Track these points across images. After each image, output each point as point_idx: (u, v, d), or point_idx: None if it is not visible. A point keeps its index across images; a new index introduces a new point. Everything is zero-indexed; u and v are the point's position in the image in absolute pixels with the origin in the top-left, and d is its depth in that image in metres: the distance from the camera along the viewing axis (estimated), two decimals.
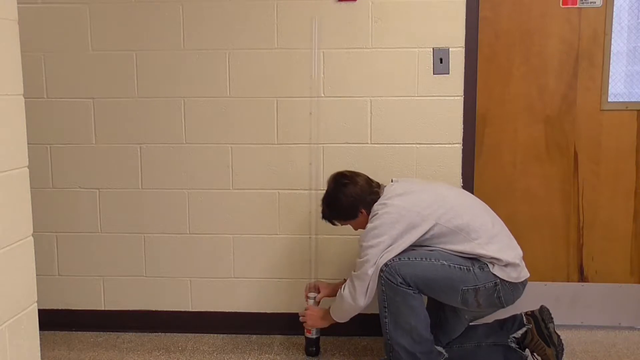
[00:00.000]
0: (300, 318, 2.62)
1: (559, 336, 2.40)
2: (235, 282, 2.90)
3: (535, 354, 2.42)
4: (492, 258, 2.25)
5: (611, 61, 2.80)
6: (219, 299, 2.91)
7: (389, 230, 2.26)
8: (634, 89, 2.84)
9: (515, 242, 2.37)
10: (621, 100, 2.84)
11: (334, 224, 2.51)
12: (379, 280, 2.31)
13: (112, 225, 2.89)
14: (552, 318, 2.43)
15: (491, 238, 2.28)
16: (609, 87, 2.81)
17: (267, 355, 2.70)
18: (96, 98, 2.82)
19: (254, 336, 2.90)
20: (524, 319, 2.47)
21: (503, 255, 2.26)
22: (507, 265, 2.26)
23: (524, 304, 2.94)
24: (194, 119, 2.81)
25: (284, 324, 2.88)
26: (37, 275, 1.68)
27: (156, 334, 2.93)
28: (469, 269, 2.26)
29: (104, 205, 2.88)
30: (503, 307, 2.32)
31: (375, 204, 2.35)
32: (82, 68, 2.80)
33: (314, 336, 2.67)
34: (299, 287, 2.84)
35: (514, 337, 2.44)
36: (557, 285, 2.94)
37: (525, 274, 2.32)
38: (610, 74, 2.80)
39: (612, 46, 2.79)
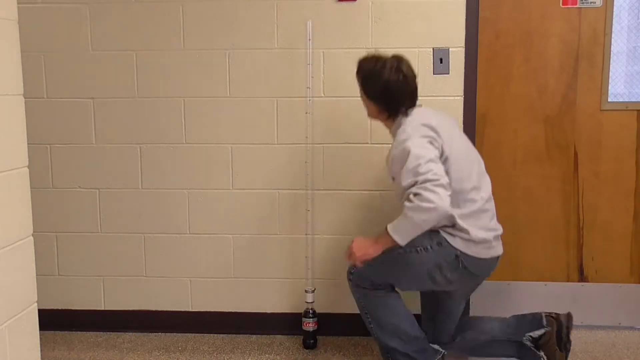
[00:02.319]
0: (346, 255, 2.31)
1: (571, 342, 2.38)
2: (235, 282, 2.90)
3: (543, 353, 2.39)
4: (461, 229, 2.20)
5: (611, 61, 2.80)
6: (219, 299, 2.91)
7: (426, 152, 2.14)
8: (634, 89, 2.84)
9: (495, 221, 2.33)
10: (621, 100, 2.84)
11: (356, 75, 2.35)
12: (351, 288, 2.36)
13: (112, 225, 2.90)
14: (573, 325, 2.41)
15: (474, 213, 2.23)
16: (609, 87, 2.81)
17: (267, 355, 2.71)
18: (96, 98, 2.82)
19: (254, 336, 2.90)
20: (545, 320, 2.41)
21: (473, 231, 2.21)
22: (469, 240, 2.21)
23: (524, 304, 2.95)
24: (194, 119, 2.81)
25: (284, 324, 2.88)
26: (37, 275, 1.68)
27: (156, 334, 2.93)
28: (427, 248, 2.22)
29: (104, 205, 2.88)
30: (476, 276, 2.29)
31: (400, 131, 2.23)
32: (82, 68, 2.80)
33: (311, 329, 2.73)
34: (298, 287, 2.84)
35: (530, 335, 2.40)
36: (557, 285, 2.94)
37: (491, 253, 2.26)
38: (610, 74, 2.81)
39: (612, 46, 2.79)
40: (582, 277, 2.93)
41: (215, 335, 2.91)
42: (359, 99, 2.74)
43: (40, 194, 2.84)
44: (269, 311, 2.91)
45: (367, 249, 2.21)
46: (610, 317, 2.94)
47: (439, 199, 2.04)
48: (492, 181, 2.87)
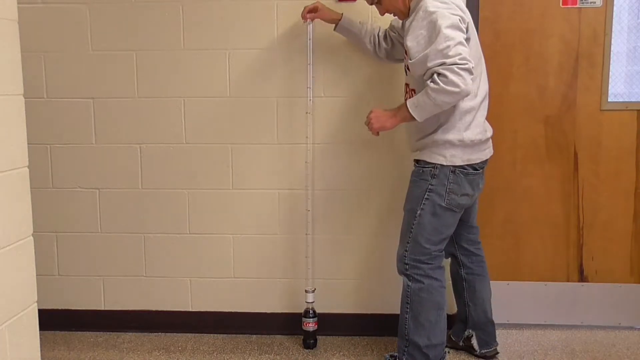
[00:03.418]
0: (366, 122, 2.36)
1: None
2: (235, 282, 2.90)
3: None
4: (459, 141, 2.27)
5: (611, 61, 2.80)
6: (219, 299, 2.91)
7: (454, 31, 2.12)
8: (634, 89, 2.84)
9: (487, 123, 2.40)
10: (621, 100, 2.84)
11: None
12: (405, 281, 2.36)
13: (112, 225, 2.90)
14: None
15: (471, 109, 2.28)
16: (609, 87, 2.81)
17: (267, 355, 2.71)
18: (96, 98, 2.82)
19: (254, 336, 2.90)
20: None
21: (470, 135, 2.28)
22: (458, 146, 2.28)
23: (524, 304, 2.95)
24: (194, 119, 2.81)
25: (284, 324, 2.88)
26: (37, 275, 1.68)
27: (156, 334, 2.93)
28: (429, 189, 2.30)
29: (104, 205, 2.88)
30: (480, 173, 2.37)
31: (425, 2, 2.17)
32: (82, 68, 2.80)
33: (311, 329, 2.73)
34: (298, 287, 2.84)
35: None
36: (557, 285, 2.94)
37: (482, 157, 2.35)
38: (610, 74, 2.81)
39: (612, 46, 2.79)
40: (582, 277, 2.93)
41: (215, 335, 2.91)
42: (359, 98, 2.75)
43: (40, 194, 2.84)
44: (269, 311, 2.91)
45: (385, 122, 2.29)
46: (610, 317, 2.94)
47: (464, 83, 2.07)
48: (491, 181, 2.87)
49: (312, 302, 2.76)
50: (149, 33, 2.76)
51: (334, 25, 2.61)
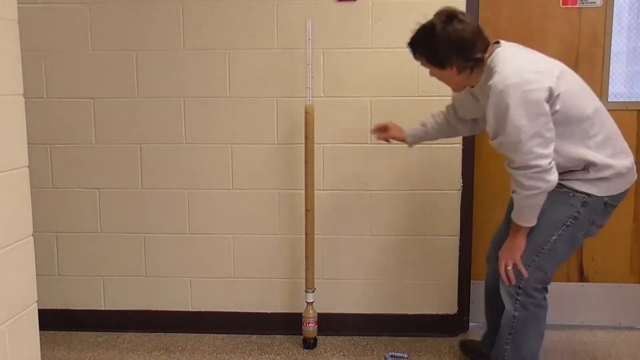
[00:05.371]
0: (503, 267, 2.16)
1: None
2: (235, 282, 2.90)
3: None
4: (601, 168, 2.03)
5: (611, 61, 2.80)
6: (219, 299, 2.91)
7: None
8: (634, 89, 2.84)
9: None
10: (621, 100, 2.84)
11: (415, 58, 2.18)
12: (510, 309, 2.16)
13: (112, 225, 2.90)
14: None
15: (608, 139, 2.05)
16: (609, 87, 2.81)
17: (267, 355, 2.71)
18: (96, 98, 2.82)
19: (254, 336, 2.90)
20: None
21: (616, 163, 2.05)
22: (613, 176, 2.06)
23: None
24: (194, 119, 2.81)
25: (284, 324, 2.88)
26: (37, 275, 1.68)
27: (156, 334, 2.93)
28: (575, 217, 2.08)
29: (104, 205, 2.88)
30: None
31: (497, 72, 1.98)
32: (82, 68, 2.80)
33: (311, 329, 2.73)
34: (298, 287, 2.84)
35: None
36: (557, 285, 2.93)
37: (631, 180, 2.12)
38: (610, 74, 2.81)
39: (612, 46, 2.79)
40: (582, 277, 2.93)
41: (215, 335, 2.91)
42: (359, 98, 2.75)
43: (40, 194, 2.84)
44: (269, 311, 2.91)
45: (515, 251, 2.12)
46: (610, 317, 2.94)
47: (544, 183, 1.97)
48: (492, 181, 2.87)
49: (312, 302, 2.76)
50: (149, 33, 2.77)
51: (408, 140, 2.51)
